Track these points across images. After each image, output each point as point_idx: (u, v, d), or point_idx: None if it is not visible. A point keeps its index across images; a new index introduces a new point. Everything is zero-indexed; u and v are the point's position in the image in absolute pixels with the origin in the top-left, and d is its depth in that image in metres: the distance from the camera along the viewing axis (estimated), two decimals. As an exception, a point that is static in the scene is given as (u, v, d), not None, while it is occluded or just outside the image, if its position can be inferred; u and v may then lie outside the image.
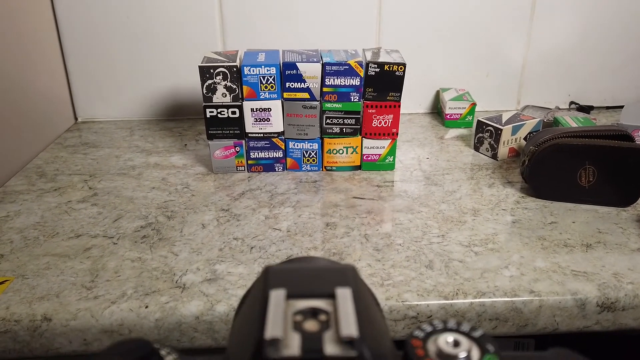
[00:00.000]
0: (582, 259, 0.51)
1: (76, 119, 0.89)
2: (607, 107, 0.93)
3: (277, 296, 0.16)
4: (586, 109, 0.90)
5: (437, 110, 0.93)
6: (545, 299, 0.46)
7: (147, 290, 0.46)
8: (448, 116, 0.85)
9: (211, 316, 0.44)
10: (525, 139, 0.73)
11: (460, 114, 0.85)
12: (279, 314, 0.15)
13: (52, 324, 0.43)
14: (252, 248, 0.53)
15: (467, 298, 0.45)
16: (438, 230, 0.56)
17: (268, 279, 0.17)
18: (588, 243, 0.53)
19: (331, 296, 0.17)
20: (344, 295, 0.16)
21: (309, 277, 0.17)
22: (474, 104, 0.84)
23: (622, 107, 0.93)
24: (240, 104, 0.65)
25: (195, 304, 0.45)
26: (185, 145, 0.78)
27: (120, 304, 0.44)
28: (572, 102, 0.93)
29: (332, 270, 0.18)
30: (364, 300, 0.17)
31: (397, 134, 0.68)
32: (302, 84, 0.64)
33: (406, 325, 0.45)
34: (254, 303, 0.17)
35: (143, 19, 0.83)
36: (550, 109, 0.87)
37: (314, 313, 0.16)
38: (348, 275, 0.17)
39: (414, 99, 0.92)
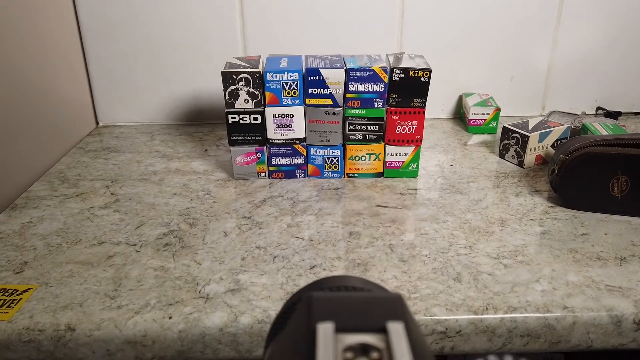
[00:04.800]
0: (617, 273, 0.49)
1: (97, 123, 0.89)
2: (636, 113, 0.91)
3: (325, 330, 0.15)
4: (614, 115, 0.88)
5: (459, 115, 0.91)
6: (579, 315, 0.44)
7: (171, 301, 0.46)
8: (472, 122, 0.83)
9: (235, 328, 0.43)
10: (553, 146, 0.71)
11: (484, 120, 0.83)
12: (330, 351, 0.15)
13: (75, 334, 0.42)
14: (274, 257, 0.52)
15: (497, 313, 0.44)
16: (465, 241, 0.54)
17: (313, 310, 0.16)
18: (622, 256, 0.52)
19: (382, 330, 0.16)
20: (397, 330, 0.15)
21: (357, 309, 0.16)
22: (498, 110, 0.82)
23: (651, 112, 0.90)
24: (262, 110, 0.64)
25: (219, 315, 0.44)
26: (206, 150, 0.78)
27: (144, 315, 0.44)
28: (599, 108, 0.90)
29: (380, 301, 0.17)
30: (416, 336, 0.16)
31: (421, 140, 0.67)
32: (325, 90, 0.63)
33: (434, 340, 0.44)
34: (297, 336, 0.16)
35: (164, 23, 0.82)
36: (577, 114, 0.85)
37: (364, 349, 0.15)
38: (398, 307, 0.16)
39: (436, 103, 0.91)
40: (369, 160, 0.68)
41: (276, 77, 0.62)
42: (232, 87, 0.63)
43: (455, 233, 0.56)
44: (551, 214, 0.60)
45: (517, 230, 0.56)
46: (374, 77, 0.63)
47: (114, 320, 0.43)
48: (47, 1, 0.74)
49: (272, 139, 0.66)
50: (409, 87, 0.63)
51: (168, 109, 0.89)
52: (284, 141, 0.66)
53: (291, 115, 0.65)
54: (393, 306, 0.17)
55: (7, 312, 0.44)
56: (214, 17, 0.82)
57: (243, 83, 0.63)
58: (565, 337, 0.45)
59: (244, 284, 0.48)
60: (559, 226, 0.57)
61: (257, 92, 0.63)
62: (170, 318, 0.44)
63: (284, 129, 0.65)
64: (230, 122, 0.65)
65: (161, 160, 0.75)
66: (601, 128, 0.72)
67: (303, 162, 0.68)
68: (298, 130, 0.66)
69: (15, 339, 0.42)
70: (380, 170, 0.69)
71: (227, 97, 0.64)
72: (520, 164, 0.71)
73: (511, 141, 0.72)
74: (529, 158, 0.70)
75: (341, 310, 0.16)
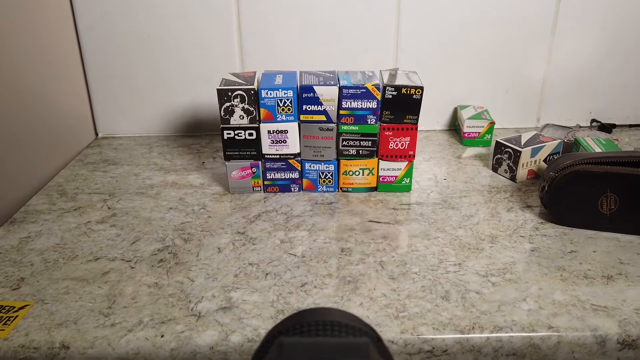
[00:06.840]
0: (603, 292, 0.50)
1: (97, 134, 0.90)
2: (630, 126, 0.92)
3: (290, 379, 0.16)
4: (608, 128, 0.88)
5: (454, 127, 0.92)
6: (564, 335, 0.45)
7: (163, 318, 0.47)
8: (466, 134, 0.84)
9: (225, 347, 0.44)
10: (545, 161, 0.72)
11: (479, 133, 0.84)
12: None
13: (69, 352, 0.43)
14: (267, 274, 0.53)
15: (483, 333, 0.45)
16: (455, 258, 0.55)
17: (282, 356, 0.17)
18: (609, 275, 0.52)
19: (344, 380, 0.17)
20: (357, 380, 0.16)
21: (324, 357, 0.17)
22: (492, 123, 0.83)
23: (645, 125, 0.91)
24: (257, 126, 0.65)
25: (210, 334, 0.45)
26: (203, 163, 0.79)
27: (137, 333, 0.45)
28: (593, 120, 0.91)
29: (346, 347, 0.18)
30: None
31: (414, 156, 0.67)
32: (319, 106, 0.64)
33: (420, 359, 0.45)
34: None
35: (163, 36, 0.84)
36: (571, 127, 0.85)
37: (326, 398, 0.16)
38: (362, 354, 0.17)
39: (431, 115, 0.91)
40: (363, 175, 0.69)
41: (271, 95, 0.63)
42: (228, 104, 0.64)
43: (446, 250, 0.57)
44: (541, 230, 0.60)
45: (506, 247, 0.57)
46: (367, 95, 0.63)
47: (107, 339, 0.44)
48: (46, 13, 0.76)
49: (267, 154, 0.67)
50: (402, 104, 0.64)
51: (166, 120, 0.90)
52: (278, 156, 0.67)
53: (286, 131, 0.66)
54: (358, 352, 0.17)
55: (3, 330, 0.45)
56: (212, 30, 0.83)
57: (238, 100, 0.64)
58: (550, 357, 0.45)
59: (235, 301, 0.49)
60: (548, 243, 0.58)
61: (252, 109, 0.64)
62: (162, 336, 0.44)
63: (279, 144, 0.66)
64: (225, 137, 0.66)
65: (158, 173, 0.76)
66: (593, 143, 0.73)
67: (297, 176, 0.69)
68: (292, 145, 0.67)
69: (11, 357, 0.43)
70: (374, 184, 0.70)
71: (222, 113, 0.65)
72: (513, 178, 0.72)
73: (504, 156, 0.72)
74: (522, 173, 0.71)
75: (308, 357, 0.17)
